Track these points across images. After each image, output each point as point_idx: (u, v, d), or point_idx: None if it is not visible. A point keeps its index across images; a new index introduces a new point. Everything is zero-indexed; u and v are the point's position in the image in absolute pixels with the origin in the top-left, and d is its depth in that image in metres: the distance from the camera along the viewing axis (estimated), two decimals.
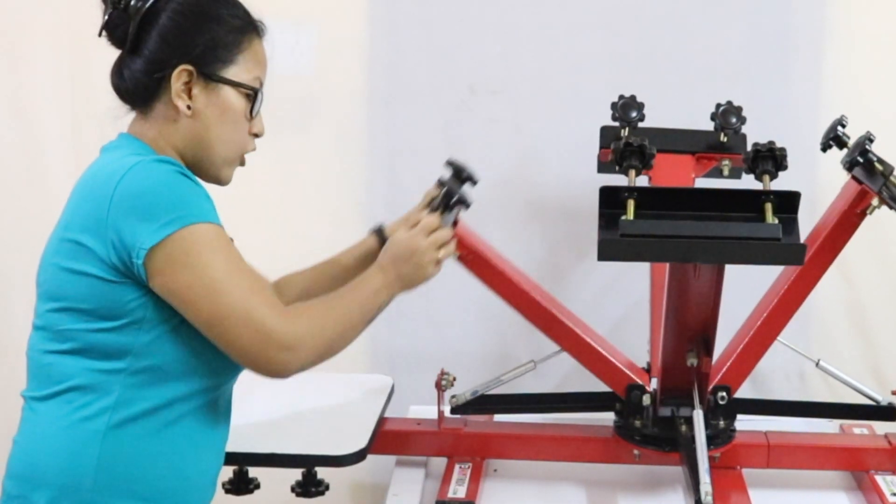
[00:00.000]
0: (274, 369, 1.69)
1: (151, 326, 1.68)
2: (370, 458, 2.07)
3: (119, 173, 1.65)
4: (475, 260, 2.09)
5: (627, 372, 2.16)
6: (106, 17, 1.75)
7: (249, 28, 1.78)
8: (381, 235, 2.06)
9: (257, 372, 1.69)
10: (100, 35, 1.77)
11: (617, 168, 1.98)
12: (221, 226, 1.69)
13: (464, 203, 1.97)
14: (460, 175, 1.98)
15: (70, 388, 1.70)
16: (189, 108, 1.74)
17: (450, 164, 2.00)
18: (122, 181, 1.64)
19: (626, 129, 2.37)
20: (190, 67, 1.73)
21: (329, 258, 2.09)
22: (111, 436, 1.68)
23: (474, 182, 1.99)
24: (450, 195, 1.96)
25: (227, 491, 2.17)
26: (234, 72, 1.75)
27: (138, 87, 1.75)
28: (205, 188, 1.72)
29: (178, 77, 1.73)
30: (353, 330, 1.79)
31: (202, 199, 1.68)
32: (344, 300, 1.81)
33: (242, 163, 1.82)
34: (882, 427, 2.27)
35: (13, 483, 1.73)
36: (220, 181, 1.81)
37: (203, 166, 1.78)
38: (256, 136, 1.82)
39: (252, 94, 1.77)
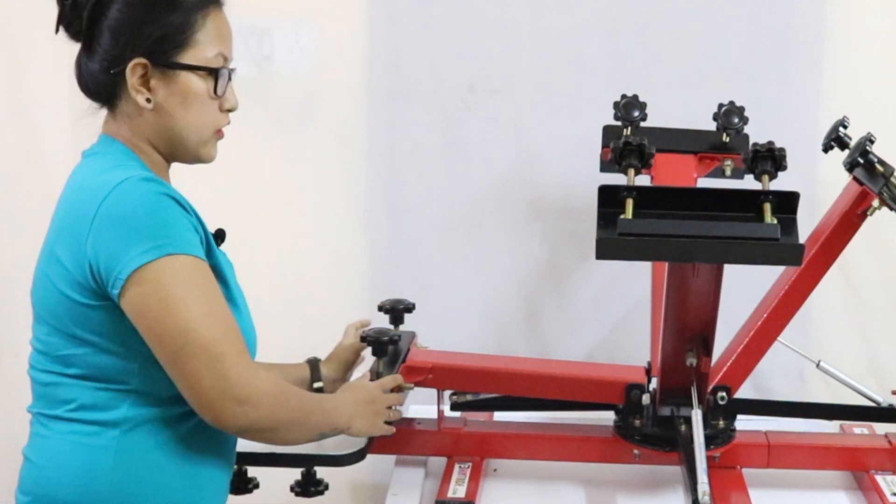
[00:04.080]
0: (223, 419, 1.65)
1: (149, 353, 1.65)
2: (369, 457, 2.07)
3: (103, 191, 1.61)
4: (436, 376, 2.13)
5: (620, 378, 2.15)
6: (59, 12, 1.71)
7: (204, 3, 1.70)
8: (314, 367, 2.11)
9: (205, 417, 1.65)
10: (56, 31, 1.73)
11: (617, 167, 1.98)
12: (204, 259, 1.65)
13: (401, 359, 2.11)
14: (383, 346, 2.08)
15: (79, 407, 1.69)
16: (150, 100, 1.69)
17: (364, 339, 2.10)
18: (106, 202, 1.60)
19: (629, 128, 2.37)
20: (143, 60, 1.67)
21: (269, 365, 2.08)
22: (123, 450, 1.67)
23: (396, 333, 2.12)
24: (395, 359, 2.11)
25: None
26: (192, 54, 1.69)
27: (98, 85, 1.72)
28: (193, 217, 1.67)
29: (133, 72, 1.67)
30: (304, 428, 1.78)
31: (186, 228, 1.63)
32: (310, 398, 1.83)
33: (220, 136, 1.78)
34: (882, 427, 2.27)
35: (27, 500, 1.72)
36: (201, 161, 1.77)
37: (179, 153, 1.75)
38: (230, 111, 1.76)
39: (213, 74, 1.71)
